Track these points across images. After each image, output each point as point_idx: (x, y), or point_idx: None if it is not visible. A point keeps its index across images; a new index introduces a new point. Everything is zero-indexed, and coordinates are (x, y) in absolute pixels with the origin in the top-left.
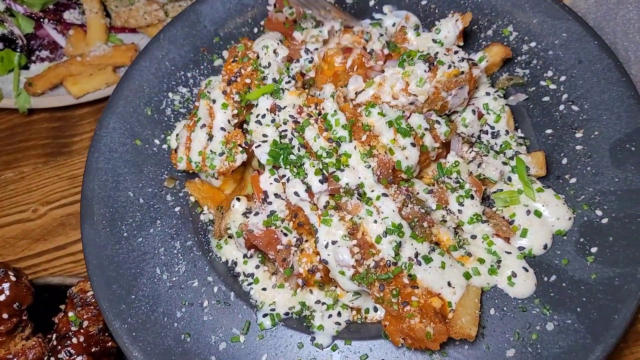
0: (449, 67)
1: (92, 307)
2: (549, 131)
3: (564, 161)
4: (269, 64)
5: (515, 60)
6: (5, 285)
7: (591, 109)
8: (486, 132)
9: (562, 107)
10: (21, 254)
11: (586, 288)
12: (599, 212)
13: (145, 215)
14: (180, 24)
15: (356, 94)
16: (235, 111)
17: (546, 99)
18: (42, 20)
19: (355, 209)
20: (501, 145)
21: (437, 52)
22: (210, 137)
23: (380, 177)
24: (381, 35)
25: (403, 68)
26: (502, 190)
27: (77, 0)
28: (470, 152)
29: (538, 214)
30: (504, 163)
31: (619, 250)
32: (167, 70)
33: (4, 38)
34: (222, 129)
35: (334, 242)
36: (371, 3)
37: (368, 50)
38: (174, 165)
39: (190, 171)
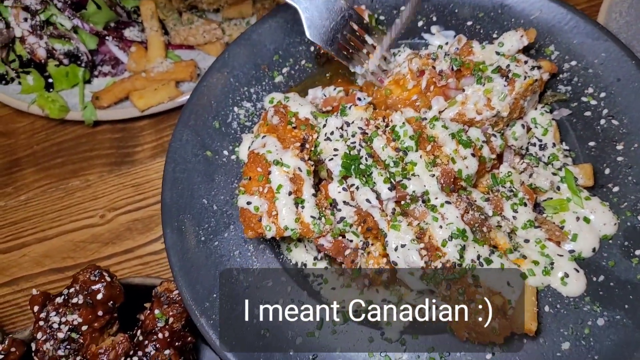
0: (525, 78)
1: (177, 305)
2: (591, 143)
3: (607, 171)
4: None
5: (558, 78)
6: (101, 286)
7: (630, 124)
8: (534, 145)
9: (602, 121)
10: (91, 257)
11: (633, 287)
12: None
13: (219, 220)
14: (243, 43)
15: (440, 112)
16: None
17: (588, 113)
18: (106, 37)
19: (422, 215)
20: (549, 157)
21: (509, 65)
22: (296, 203)
23: (444, 185)
24: (445, 54)
25: (482, 85)
26: (551, 198)
27: (137, 19)
28: (521, 164)
29: (587, 220)
30: (554, 173)
31: None
32: (232, 86)
33: (70, 54)
34: (313, 194)
35: (403, 246)
36: (420, 24)
37: (437, 71)
38: (261, 234)
39: (279, 237)
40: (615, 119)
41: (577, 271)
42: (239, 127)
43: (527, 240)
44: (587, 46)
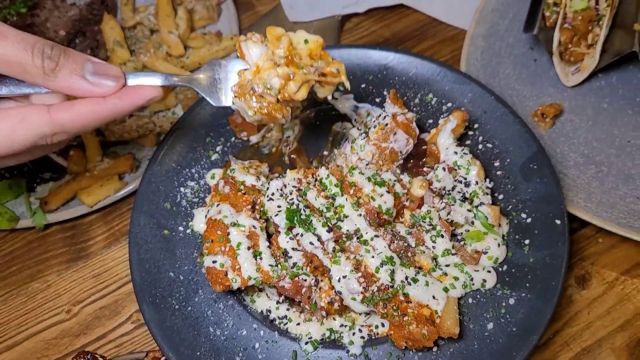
0: (374, 127)
1: None
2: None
3: (491, 185)
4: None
5: (441, 118)
6: None
7: (501, 144)
8: (461, 182)
9: (480, 146)
10: (65, 351)
11: (528, 269)
12: (523, 215)
13: (188, 288)
14: (177, 132)
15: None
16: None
17: (468, 142)
18: None
19: (356, 249)
20: (471, 194)
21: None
22: (255, 256)
23: (370, 221)
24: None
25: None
26: (469, 230)
27: None
28: (441, 203)
29: (505, 242)
30: (469, 210)
31: (543, 238)
32: (175, 170)
33: (10, 168)
34: (268, 246)
35: (344, 277)
36: None
37: None
38: (228, 286)
39: (244, 286)
40: (489, 143)
41: (490, 272)
42: (188, 204)
43: (447, 265)
44: (457, 90)
